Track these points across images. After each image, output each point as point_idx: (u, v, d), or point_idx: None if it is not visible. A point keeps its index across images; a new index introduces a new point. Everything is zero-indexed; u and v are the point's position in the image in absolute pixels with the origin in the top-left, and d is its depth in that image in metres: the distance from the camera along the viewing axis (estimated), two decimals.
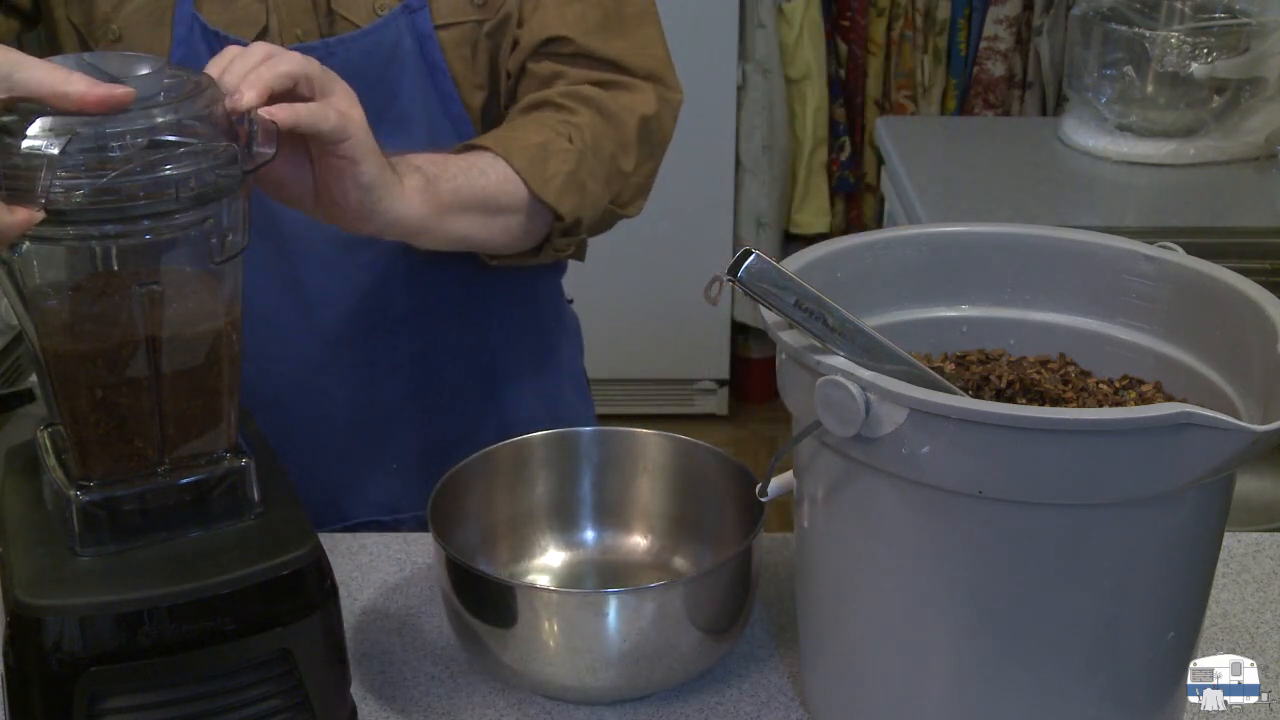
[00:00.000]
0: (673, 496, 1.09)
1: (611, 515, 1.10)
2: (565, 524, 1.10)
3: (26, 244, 0.76)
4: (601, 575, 1.09)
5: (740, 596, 0.96)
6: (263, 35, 1.08)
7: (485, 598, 0.93)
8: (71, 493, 0.80)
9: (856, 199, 3.28)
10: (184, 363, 0.81)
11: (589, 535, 1.10)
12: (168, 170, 0.76)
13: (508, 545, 1.08)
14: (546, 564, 1.09)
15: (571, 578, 1.08)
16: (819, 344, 0.79)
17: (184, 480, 0.83)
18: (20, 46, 0.97)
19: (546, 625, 0.92)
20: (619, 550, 1.10)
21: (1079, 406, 0.91)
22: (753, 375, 3.35)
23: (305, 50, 0.99)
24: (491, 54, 1.13)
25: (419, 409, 1.22)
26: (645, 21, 1.19)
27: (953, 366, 0.96)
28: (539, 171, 1.08)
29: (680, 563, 1.08)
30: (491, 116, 1.17)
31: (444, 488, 1.01)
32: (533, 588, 1.00)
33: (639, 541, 1.10)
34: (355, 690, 0.92)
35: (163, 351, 0.80)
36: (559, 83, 1.14)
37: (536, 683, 0.95)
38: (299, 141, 0.90)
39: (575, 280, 1.36)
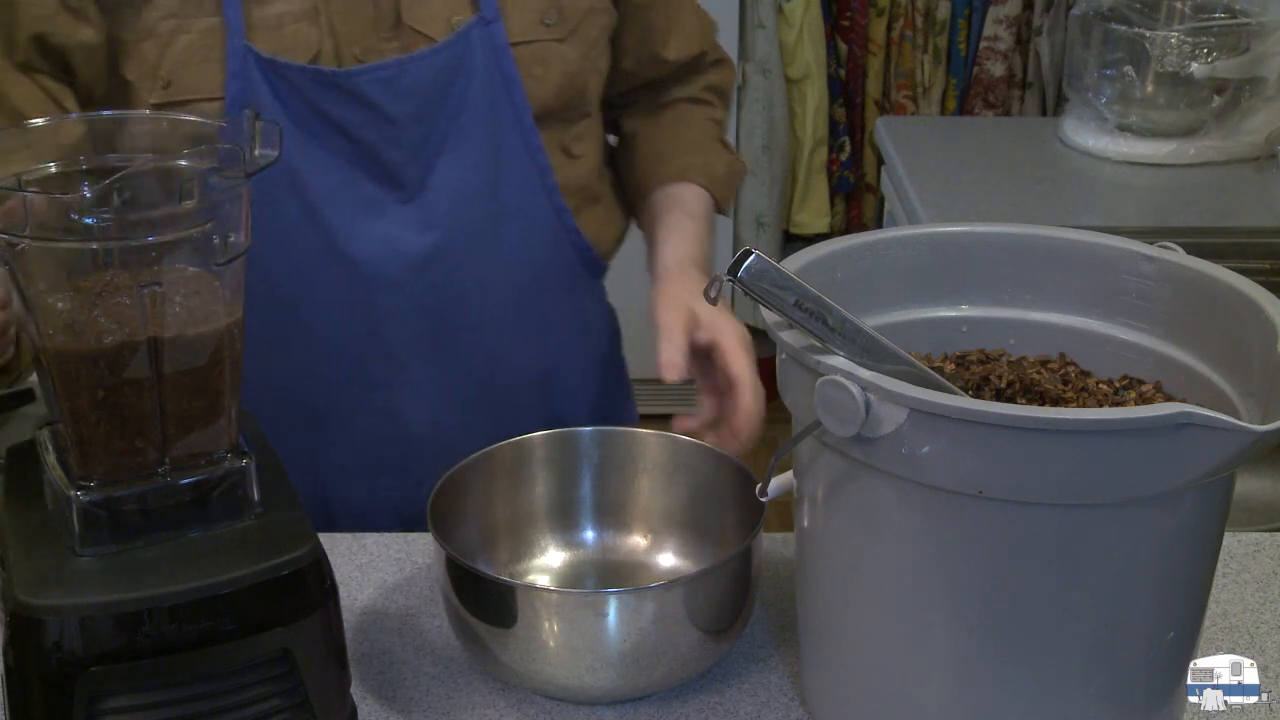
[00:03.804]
0: (672, 496, 1.09)
1: (611, 515, 1.10)
2: (565, 524, 1.10)
3: (26, 243, 0.76)
4: (601, 575, 1.09)
5: (740, 596, 0.96)
6: (316, 59, 1.07)
7: (485, 598, 0.93)
8: (71, 492, 0.80)
9: (856, 199, 3.28)
10: (186, 363, 0.81)
11: (589, 535, 1.10)
12: (174, 166, 0.76)
13: (508, 545, 1.08)
14: (547, 564, 1.09)
15: (571, 578, 1.08)
16: (819, 344, 0.79)
17: (184, 480, 0.83)
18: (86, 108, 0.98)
19: (546, 625, 0.92)
20: (619, 550, 1.10)
21: (1079, 406, 0.91)
22: None
23: (377, 75, 1.05)
24: (563, 66, 1.14)
25: (484, 423, 1.22)
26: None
27: (953, 366, 0.96)
28: (726, 193, 1.25)
29: (680, 563, 1.08)
30: (557, 118, 1.17)
31: (444, 488, 1.01)
32: (532, 588, 1.00)
33: (639, 541, 1.10)
34: (355, 690, 0.92)
35: (165, 352, 0.80)
36: (691, 79, 1.28)
37: (536, 683, 0.95)
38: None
39: None
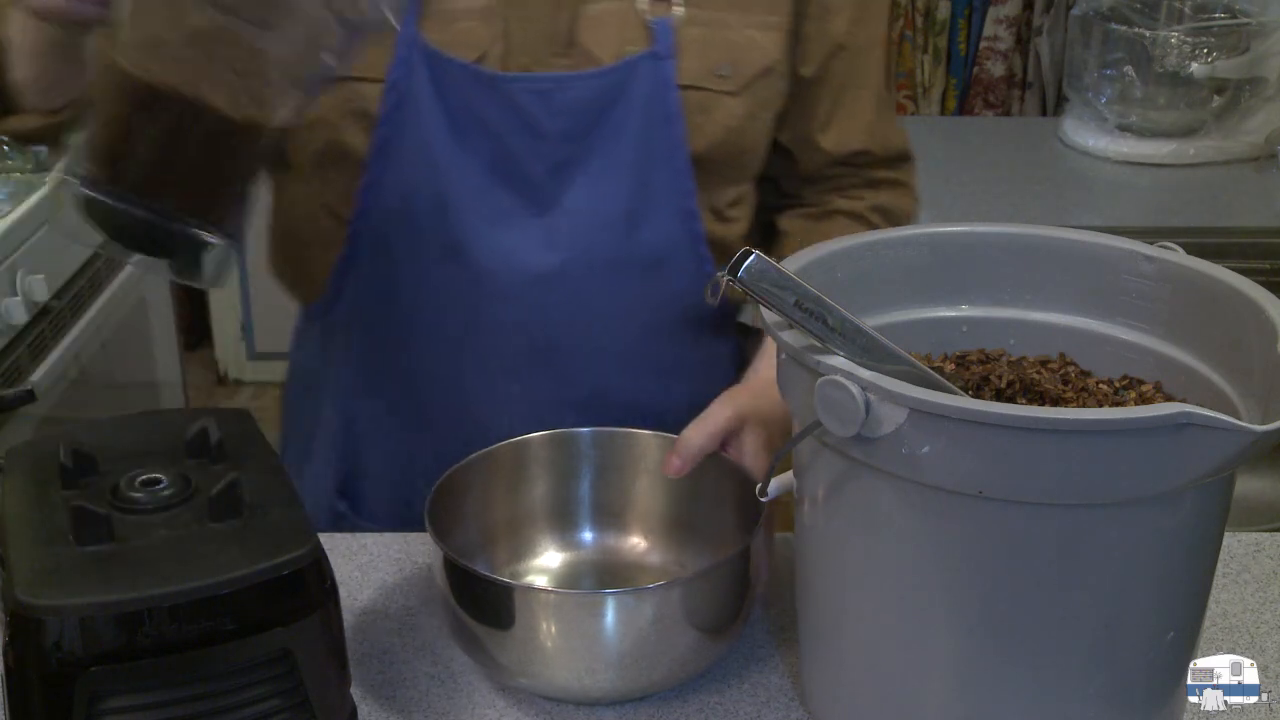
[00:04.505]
0: (670, 497, 1.09)
1: (610, 516, 1.10)
2: (564, 525, 1.10)
3: None
4: (600, 576, 1.09)
5: (739, 596, 0.96)
6: (481, 60, 1.07)
7: (483, 598, 0.93)
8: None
9: None
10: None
11: (587, 536, 1.10)
12: None
13: (506, 546, 1.08)
14: (545, 565, 1.09)
15: (570, 578, 1.08)
16: (819, 344, 0.79)
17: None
18: None
19: (544, 626, 0.92)
20: (617, 551, 1.10)
21: (1079, 406, 0.91)
22: None
23: (534, 86, 1.05)
24: (727, 120, 1.12)
25: None
26: (894, 100, 1.26)
27: (953, 366, 0.96)
28: None
29: (678, 563, 1.08)
30: (713, 174, 1.14)
31: (442, 488, 1.01)
32: (530, 588, 1.00)
33: (637, 542, 1.10)
34: (355, 690, 0.92)
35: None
36: (857, 190, 1.22)
37: (534, 684, 0.95)
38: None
39: None
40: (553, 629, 0.92)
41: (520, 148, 1.09)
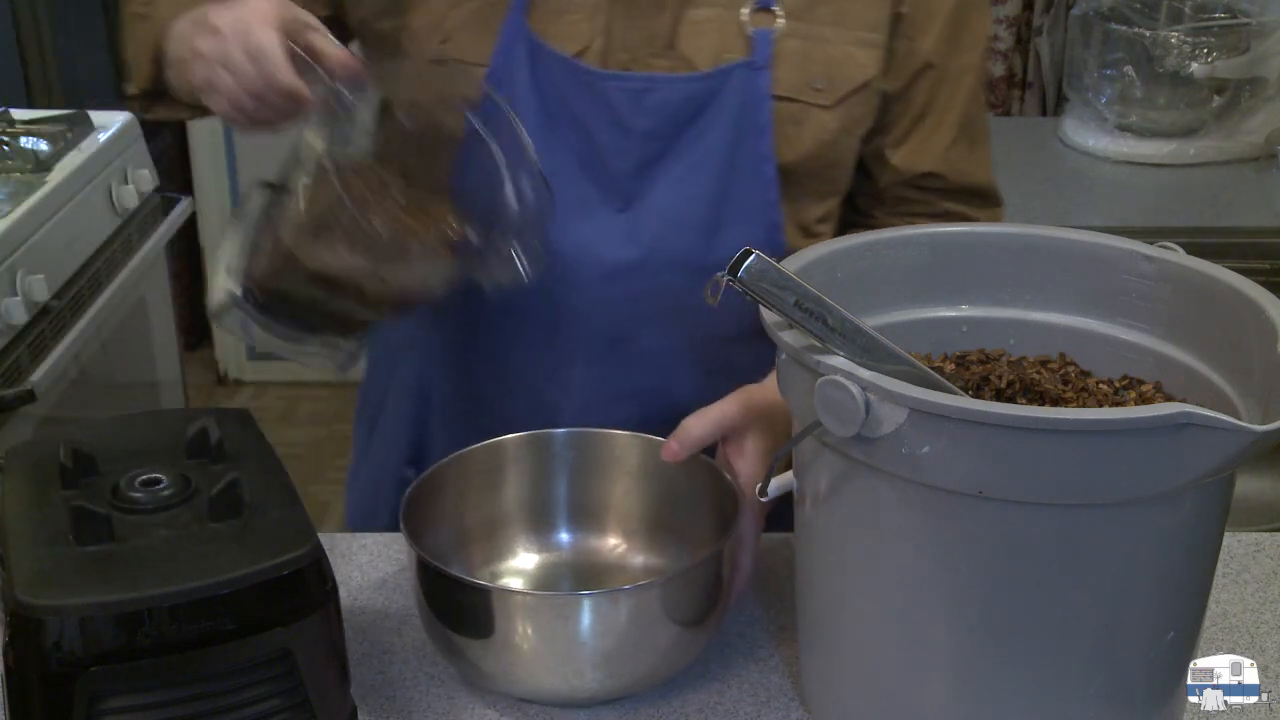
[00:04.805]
0: (646, 498, 1.09)
1: (586, 517, 1.10)
2: (540, 526, 1.10)
3: None
4: (576, 577, 1.09)
5: (715, 593, 0.96)
6: (581, 54, 1.09)
7: (458, 601, 0.93)
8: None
9: None
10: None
11: (564, 537, 1.10)
12: None
13: (482, 549, 1.08)
14: (520, 567, 1.08)
15: (546, 580, 1.08)
16: (819, 344, 0.79)
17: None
18: None
19: (520, 629, 0.92)
20: (594, 552, 1.10)
21: (1079, 406, 0.91)
22: None
23: (627, 85, 1.08)
24: (819, 133, 1.12)
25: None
26: (987, 134, 1.23)
27: (953, 366, 0.96)
28: None
29: (655, 564, 1.08)
30: (801, 186, 1.15)
31: (417, 490, 1.00)
32: (506, 590, 1.00)
33: (614, 543, 1.10)
34: (355, 690, 0.92)
35: None
36: (919, 213, 1.20)
37: (510, 687, 0.95)
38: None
39: None
40: (528, 631, 0.91)
41: (608, 143, 1.11)
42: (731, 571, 0.98)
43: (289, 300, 0.97)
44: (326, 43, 0.95)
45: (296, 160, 0.95)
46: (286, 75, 0.92)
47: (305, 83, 0.92)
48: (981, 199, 1.23)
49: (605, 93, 1.09)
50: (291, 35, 0.94)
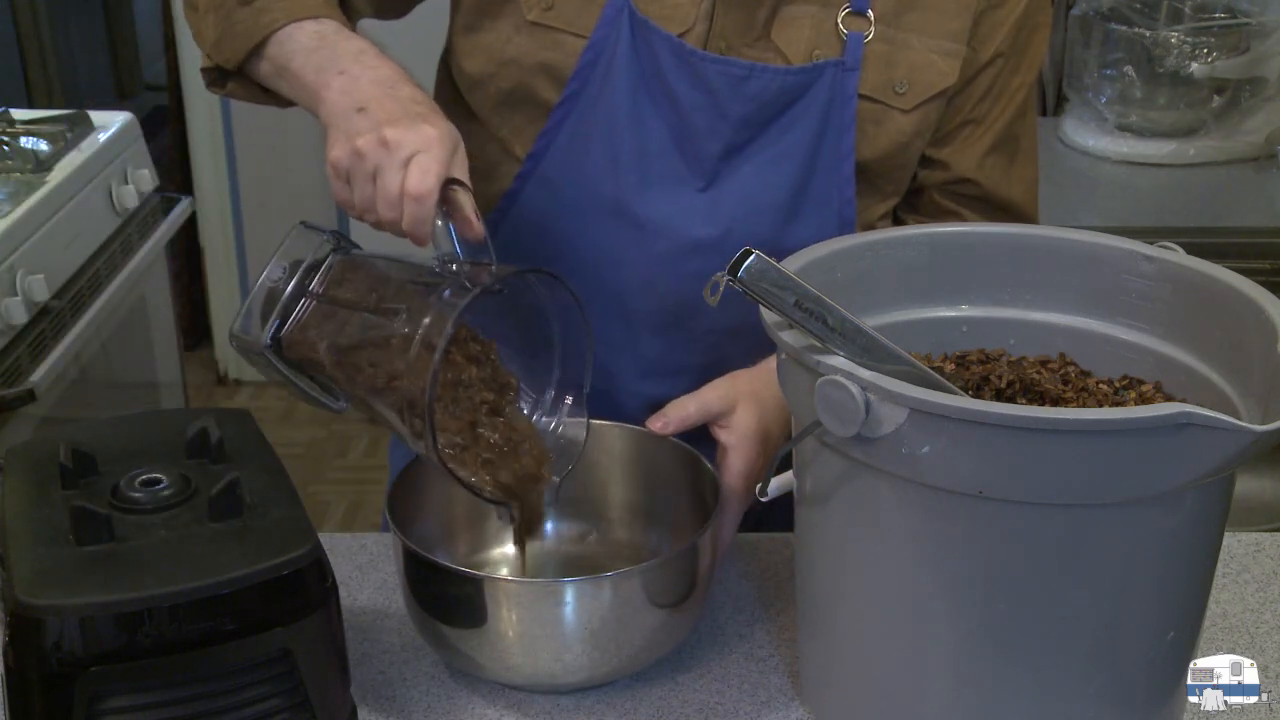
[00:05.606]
0: (629, 485, 1.11)
1: (569, 506, 1.11)
2: None
3: None
4: (561, 566, 1.10)
5: (694, 577, 0.97)
6: (685, 35, 1.11)
7: (445, 590, 0.94)
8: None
9: None
10: None
11: (547, 526, 1.11)
12: None
13: (466, 539, 1.10)
14: (505, 556, 1.10)
15: (531, 568, 1.09)
16: (819, 344, 0.79)
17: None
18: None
19: (506, 615, 0.93)
20: (578, 540, 1.12)
21: (1079, 406, 0.91)
22: None
23: (730, 70, 1.10)
24: (895, 135, 1.15)
25: None
26: (1032, 157, 1.23)
27: (953, 366, 0.96)
28: None
29: (639, 550, 1.10)
30: (872, 184, 1.17)
31: (402, 481, 1.02)
32: (492, 578, 1.02)
33: (596, 531, 1.12)
34: (355, 690, 0.92)
35: None
36: (951, 219, 1.21)
37: (500, 675, 0.96)
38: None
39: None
40: (514, 618, 0.93)
41: (701, 124, 1.12)
42: (714, 552, 1.00)
43: (307, 368, 0.98)
44: (466, 199, 0.94)
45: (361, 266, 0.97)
46: (424, 231, 0.92)
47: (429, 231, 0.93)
48: (1014, 219, 1.23)
49: (706, 75, 1.10)
50: (442, 181, 0.94)
